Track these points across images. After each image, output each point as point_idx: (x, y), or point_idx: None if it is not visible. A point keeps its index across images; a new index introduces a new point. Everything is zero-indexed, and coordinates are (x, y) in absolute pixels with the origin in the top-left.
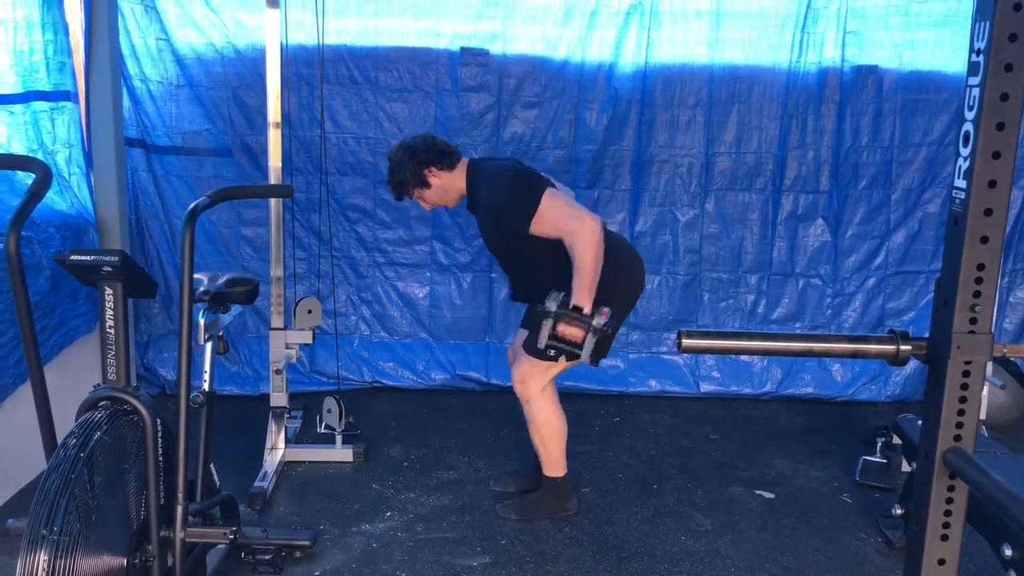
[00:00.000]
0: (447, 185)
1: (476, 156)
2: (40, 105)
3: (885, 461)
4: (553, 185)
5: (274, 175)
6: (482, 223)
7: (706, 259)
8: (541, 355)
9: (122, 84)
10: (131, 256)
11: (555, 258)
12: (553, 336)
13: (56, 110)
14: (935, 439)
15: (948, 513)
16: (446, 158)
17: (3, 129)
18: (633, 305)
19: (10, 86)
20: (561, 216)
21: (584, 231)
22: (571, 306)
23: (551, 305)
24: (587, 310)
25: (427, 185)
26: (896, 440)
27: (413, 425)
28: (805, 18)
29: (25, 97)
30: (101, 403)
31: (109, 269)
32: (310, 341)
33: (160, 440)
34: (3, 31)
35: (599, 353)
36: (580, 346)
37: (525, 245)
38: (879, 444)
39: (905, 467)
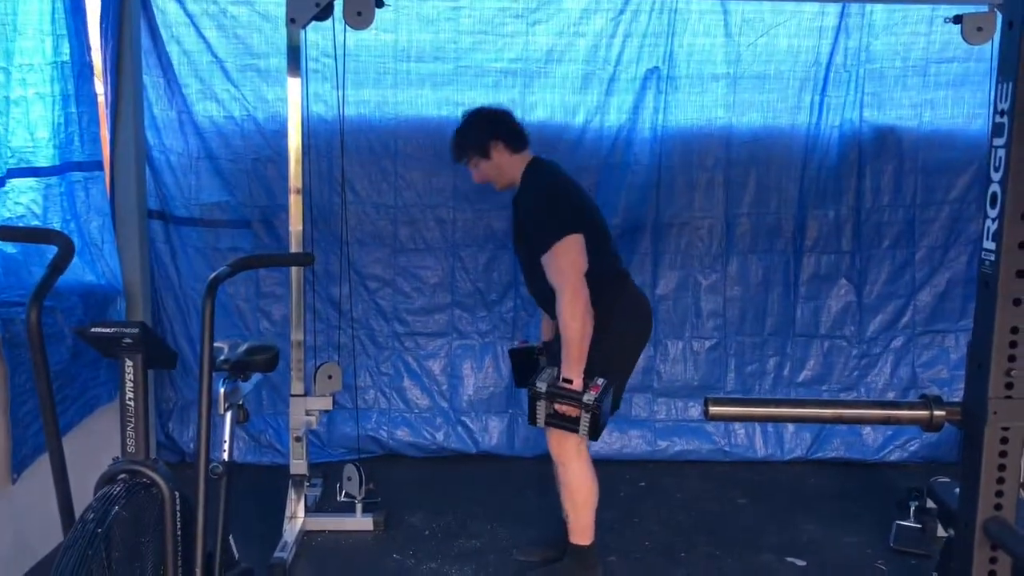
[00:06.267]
0: (505, 166)
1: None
2: (75, 176)
3: (920, 526)
4: (594, 221)
5: (295, 240)
6: (516, 221)
7: (730, 322)
8: (551, 423)
9: (145, 156)
10: (151, 328)
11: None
12: (551, 415)
13: (90, 180)
14: (974, 508)
15: None
16: (516, 140)
17: (40, 200)
18: (642, 347)
19: (47, 158)
20: (563, 263)
21: (567, 297)
22: (561, 379)
23: (542, 385)
24: (576, 383)
25: (487, 157)
26: (930, 504)
27: (434, 493)
28: (824, 81)
29: (61, 169)
30: (120, 476)
31: (129, 341)
32: (330, 407)
33: (179, 513)
34: (41, 105)
35: (595, 428)
36: (577, 422)
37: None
38: (912, 508)
39: (941, 532)
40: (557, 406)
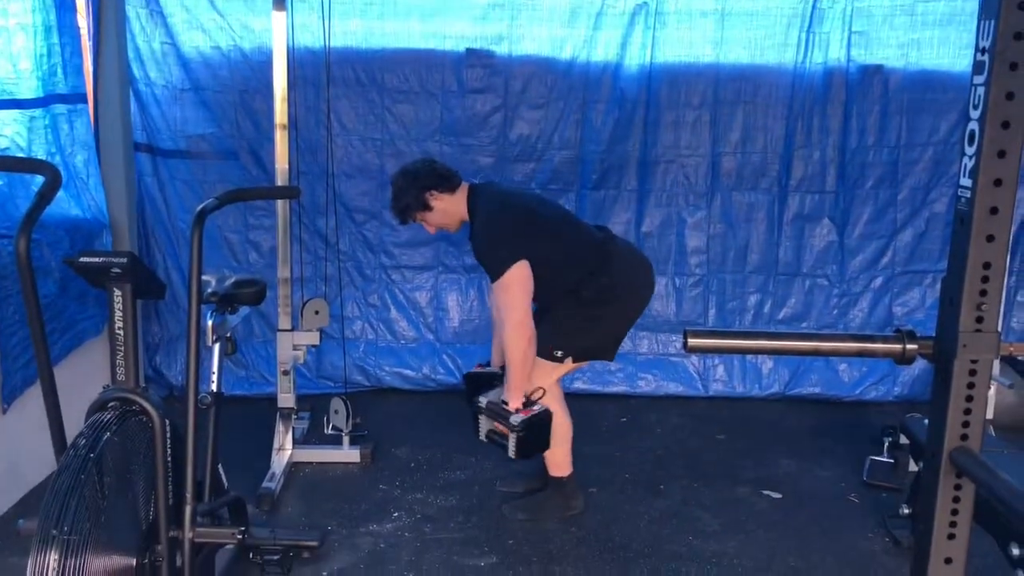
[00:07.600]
0: (449, 208)
1: (477, 180)
2: (59, 108)
3: (892, 461)
4: (544, 224)
5: (281, 177)
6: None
7: (713, 260)
8: (490, 437)
9: (130, 88)
10: (139, 258)
11: (545, 291)
12: (491, 431)
13: (74, 112)
14: (941, 438)
15: (955, 512)
16: (446, 181)
17: (24, 133)
18: (639, 312)
19: (31, 90)
20: (509, 298)
21: (513, 326)
22: (501, 400)
23: (483, 400)
24: (512, 406)
25: (429, 208)
26: (904, 440)
27: (420, 426)
28: (811, 18)
29: (45, 101)
30: (110, 404)
31: (118, 271)
32: (317, 342)
33: (168, 441)
34: (24, 36)
35: (523, 449)
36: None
37: None
38: (886, 444)
39: (912, 467)
40: (495, 424)
